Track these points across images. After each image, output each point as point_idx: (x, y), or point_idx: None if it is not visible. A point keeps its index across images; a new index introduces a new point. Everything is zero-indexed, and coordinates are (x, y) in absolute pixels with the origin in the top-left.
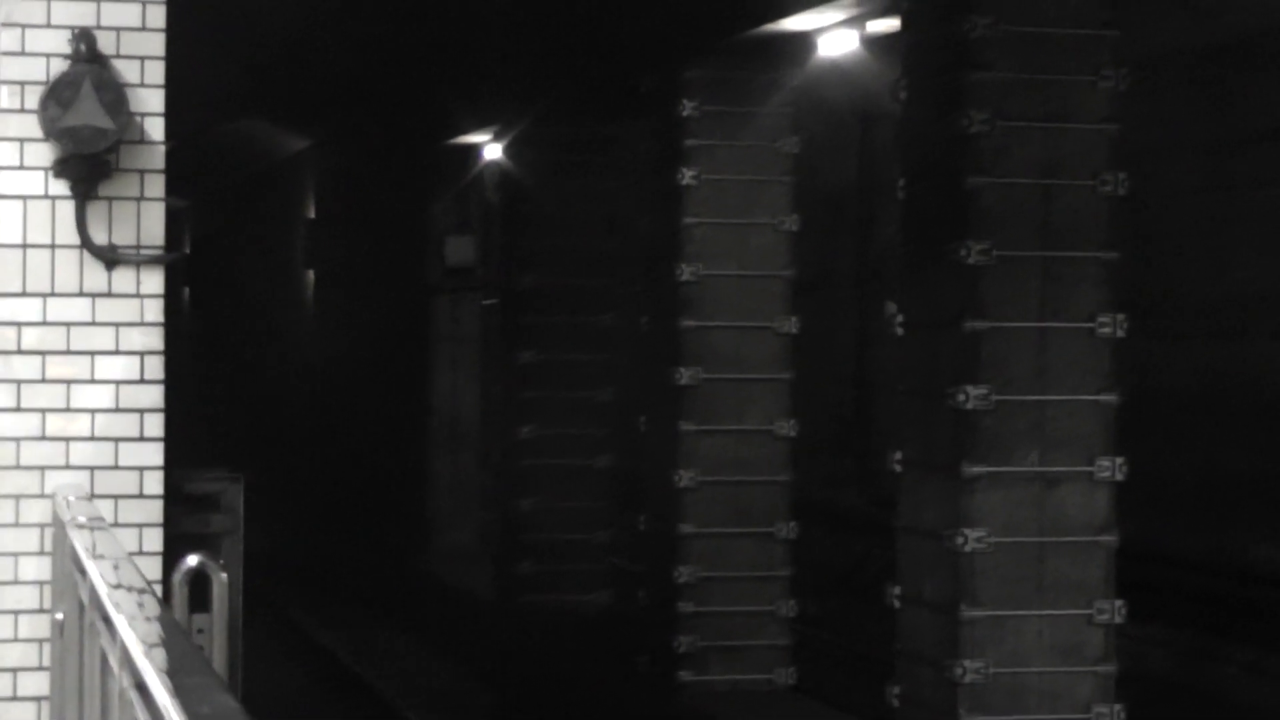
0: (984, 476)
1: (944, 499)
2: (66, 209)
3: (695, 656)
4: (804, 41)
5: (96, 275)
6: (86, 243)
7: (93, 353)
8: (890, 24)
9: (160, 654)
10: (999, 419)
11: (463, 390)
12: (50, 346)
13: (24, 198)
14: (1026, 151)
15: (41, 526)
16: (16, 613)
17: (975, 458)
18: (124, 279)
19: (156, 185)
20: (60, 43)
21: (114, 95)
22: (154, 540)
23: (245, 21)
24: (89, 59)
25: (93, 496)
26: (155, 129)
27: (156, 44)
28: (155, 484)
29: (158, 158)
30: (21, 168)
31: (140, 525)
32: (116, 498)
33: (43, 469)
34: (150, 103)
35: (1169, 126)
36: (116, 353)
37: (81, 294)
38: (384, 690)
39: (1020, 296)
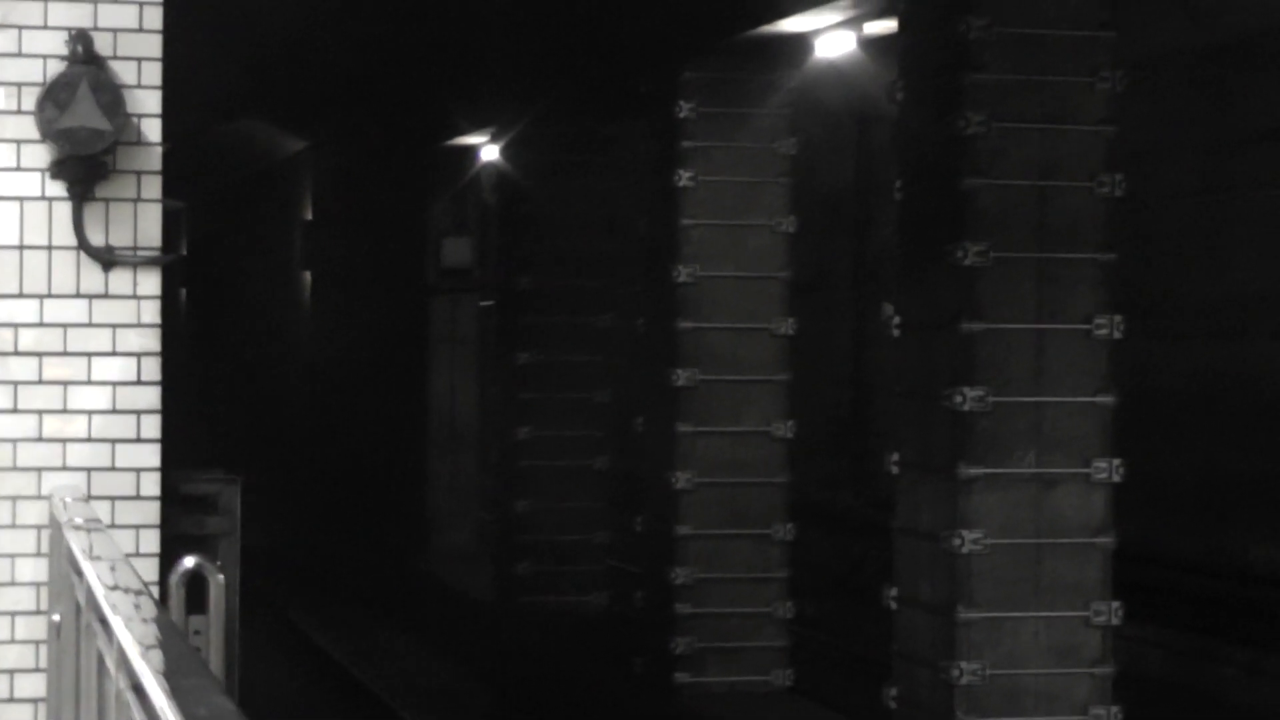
0: (981, 478)
1: (941, 500)
2: (63, 210)
3: (692, 658)
4: (801, 43)
5: (93, 276)
6: (83, 244)
7: (89, 354)
8: (887, 25)
9: (157, 655)
10: (996, 420)
11: (460, 391)
12: (47, 348)
13: (21, 199)
14: (1023, 153)
15: (38, 528)
16: (13, 614)
17: (972, 459)
18: (121, 280)
19: (153, 186)
20: (57, 44)
21: (111, 97)
22: (151, 542)
23: (242, 23)
24: (86, 60)
25: (89, 498)
26: (152, 130)
27: (153, 45)
28: (152, 485)
29: (155, 159)
30: (18, 169)
31: (137, 527)
32: (113, 499)
33: (39, 470)
34: (147, 104)
35: (1168, 127)
36: (113, 354)
37: (78, 295)
38: (382, 691)
39: (1017, 298)
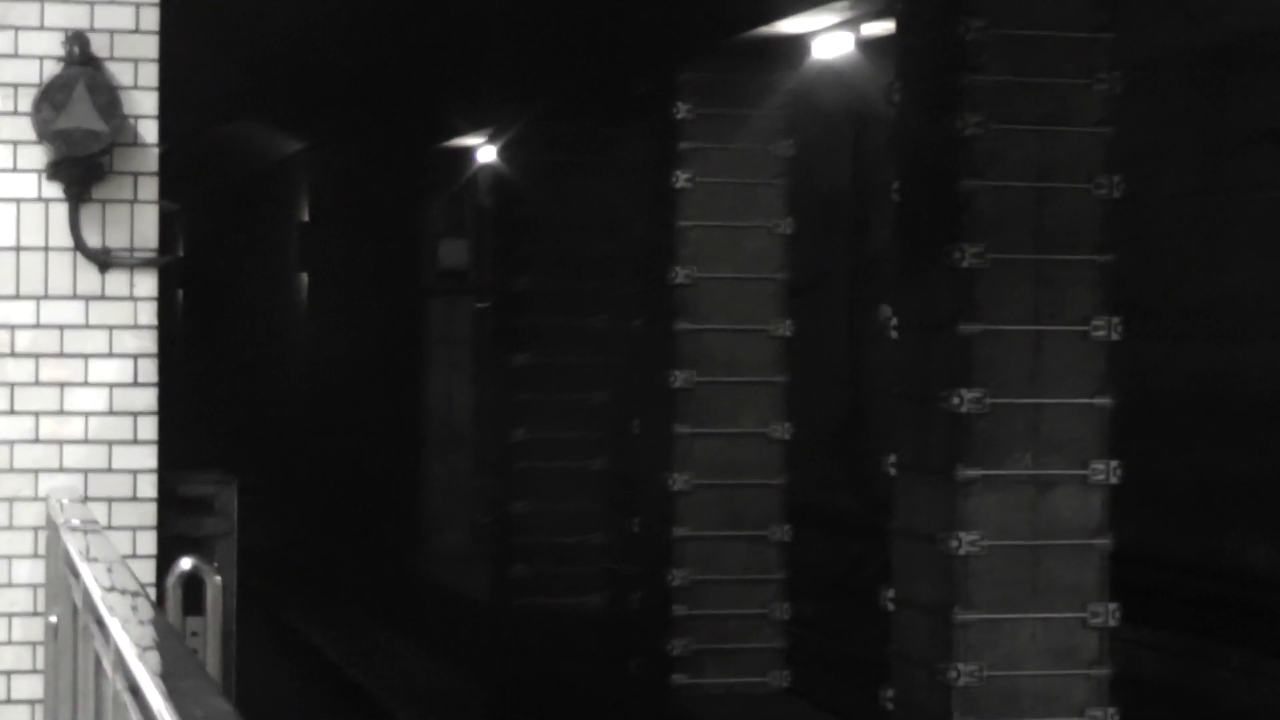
0: (978, 479)
1: (938, 502)
2: (60, 212)
3: (689, 659)
4: (799, 44)
5: (90, 278)
6: (80, 245)
7: (86, 355)
8: (885, 27)
9: (154, 657)
10: (993, 422)
11: (457, 393)
12: (43, 349)
13: (17, 200)
14: (1021, 154)
15: (35, 529)
16: (10, 616)
17: (969, 461)
18: (117, 282)
19: (150, 188)
20: (53, 45)
21: (107, 98)
22: (148, 543)
23: (238, 24)
24: (82, 61)
25: (86, 499)
26: (149, 131)
27: (150, 46)
28: (149, 487)
29: (151, 160)
30: (15, 170)
31: (134, 528)
32: (110, 500)
33: (36, 472)
34: (143, 105)
35: (1166, 128)
36: (110, 355)
37: (75, 297)
38: (378, 692)
39: (1015, 299)
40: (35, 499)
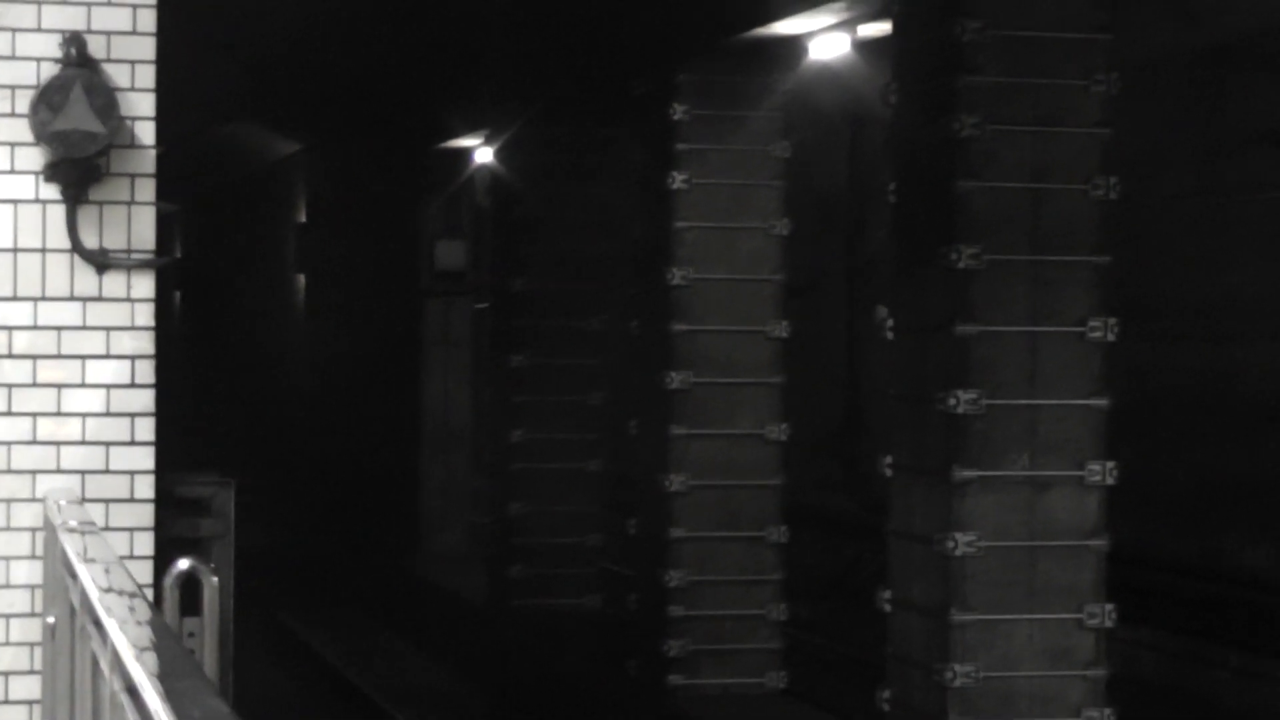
0: (975, 481)
1: (935, 503)
2: (57, 213)
3: (686, 660)
4: (795, 45)
5: (87, 279)
6: (77, 247)
7: (83, 357)
8: (881, 28)
9: (151, 658)
10: (990, 423)
11: (454, 394)
12: (41, 350)
13: (14, 202)
14: (1017, 156)
15: (33, 530)
16: (8, 616)
17: (966, 462)
18: (115, 283)
19: (147, 189)
20: (50, 47)
21: (104, 99)
22: (145, 544)
23: (236, 25)
24: (79, 63)
25: (84, 500)
26: (146, 133)
27: (147, 48)
28: (146, 488)
29: (148, 162)
30: (12, 172)
31: (131, 529)
32: (107, 502)
33: (33, 473)
34: (141, 107)
35: (1166, 129)
36: (107, 357)
37: (72, 298)
38: (375, 693)
39: (1011, 301)
40: (33, 500)
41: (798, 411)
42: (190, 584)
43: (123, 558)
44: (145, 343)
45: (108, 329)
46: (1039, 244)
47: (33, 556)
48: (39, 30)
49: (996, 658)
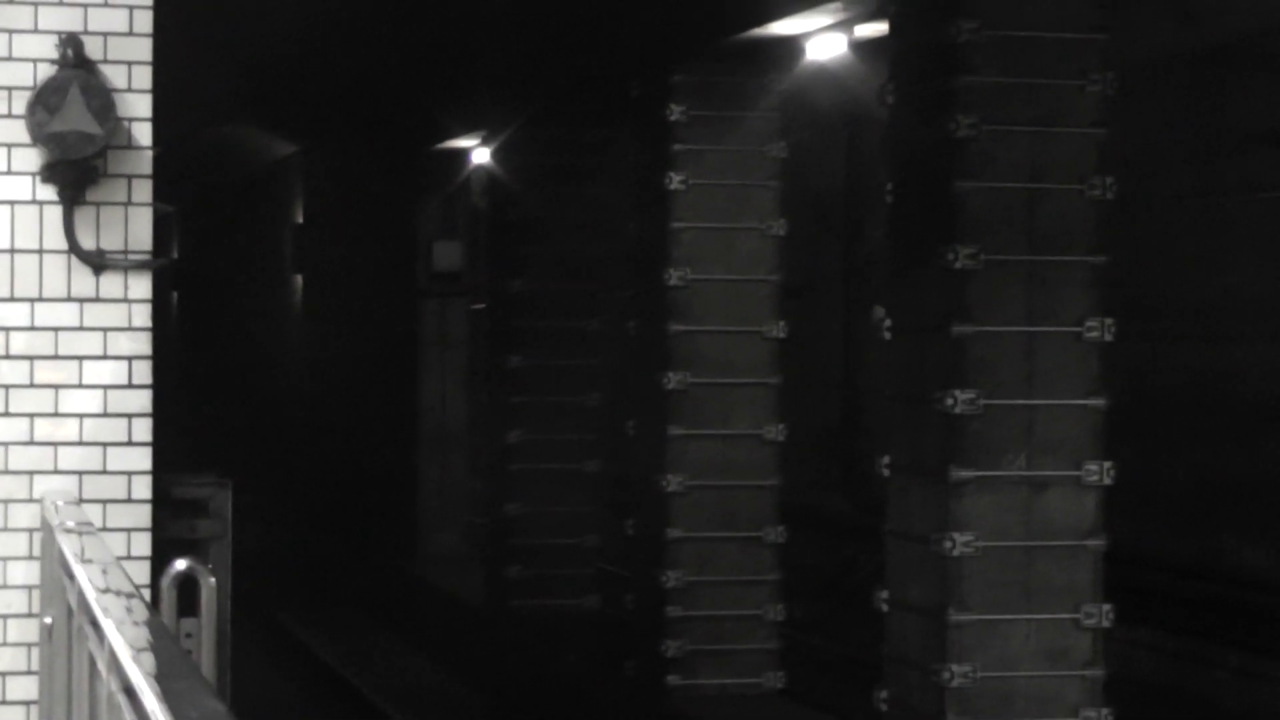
0: (972, 481)
1: (932, 503)
2: (54, 214)
3: (683, 661)
4: (792, 46)
5: (84, 280)
6: (74, 248)
7: (80, 357)
8: (878, 28)
9: (148, 658)
10: (987, 423)
11: (451, 395)
12: (38, 351)
13: (11, 203)
14: (1014, 156)
15: (30, 531)
16: (5, 617)
17: (963, 462)
18: (112, 284)
19: (144, 190)
20: (47, 48)
21: (101, 100)
22: (142, 545)
23: (233, 26)
24: (76, 64)
25: (81, 501)
26: (142, 134)
27: (144, 49)
28: (143, 488)
29: (145, 163)
30: (9, 173)
31: (128, 530)
32: (105, 502)
33: (31, 474)
34: (137, 108)
35: (1165, 129)
36: (104, 358)
37: (69, 299)
38: (373, 693)
39: (1008, 301)
40: (30, 501)
41: (795, 412)
42: (188, 584)
43: (120, 558)
44: (142, 344)
45: (105, 330)
46: (1036, 244)
47: (30, 557)
48: (35, 31)
49: (994, 658)
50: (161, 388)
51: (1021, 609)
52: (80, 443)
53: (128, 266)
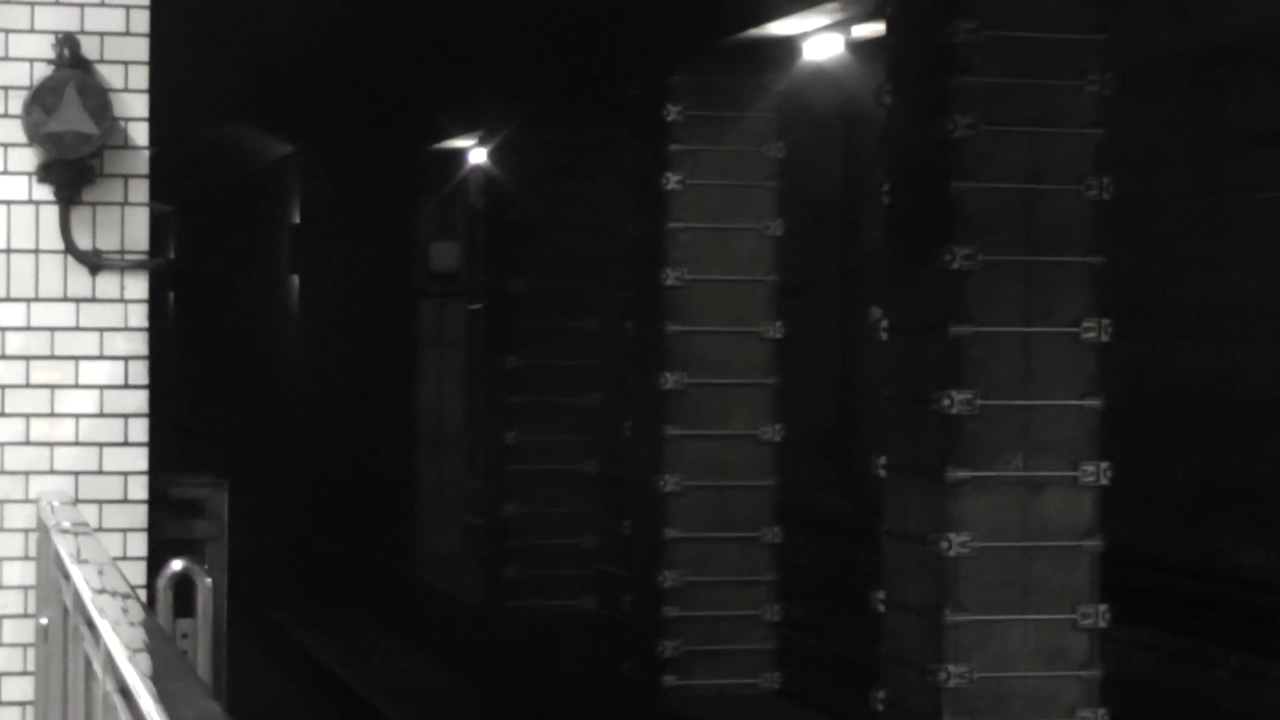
0: (969, 481)
1: (929, 503)
2: (50, 214)
3: (680, 661)
4: (789, 46)
5: (80, 280)
6: (70, 248)
7: (77, 358)
8: (875, 29)
9: (144, 659)
10: (984, 424)
11: (448, 395)
12: (34, 351)
13: (7, 203)
14: (1011, 156)
15: (26, 531)
16: (1, 618)
17: (960, 462)
18: (108, 284)
19: (140, 190)
20: (44, 48)
21: (98, 100)
22: (138, 545)
23: (230, 27)
24: (72, 64)
25: (77, 501)
26: (139, 134)
27: (140, 49)
28: (140, 489)
29: (142, 163)
30: (5, 173)
31: (125, 530)
32: (101, 503)
33: (27, 474)
34: (134, 108)
35: (1165, 130)
36: (100, 358)
37: (65, 299)
38: (369, 694)
39: (1005, 301)
40: (26, 501)
41: (792, 412)
42: (184, 585)
43: (116, 559)
44: (139, 344)
45: (101, 330)
46: (1033, 244)
47: (26, 558)
48: (32, 31)
49: (991, 658)
50: (158, 388)
51: (1018, 609)
52: (76, 443)
53: (124, 266)
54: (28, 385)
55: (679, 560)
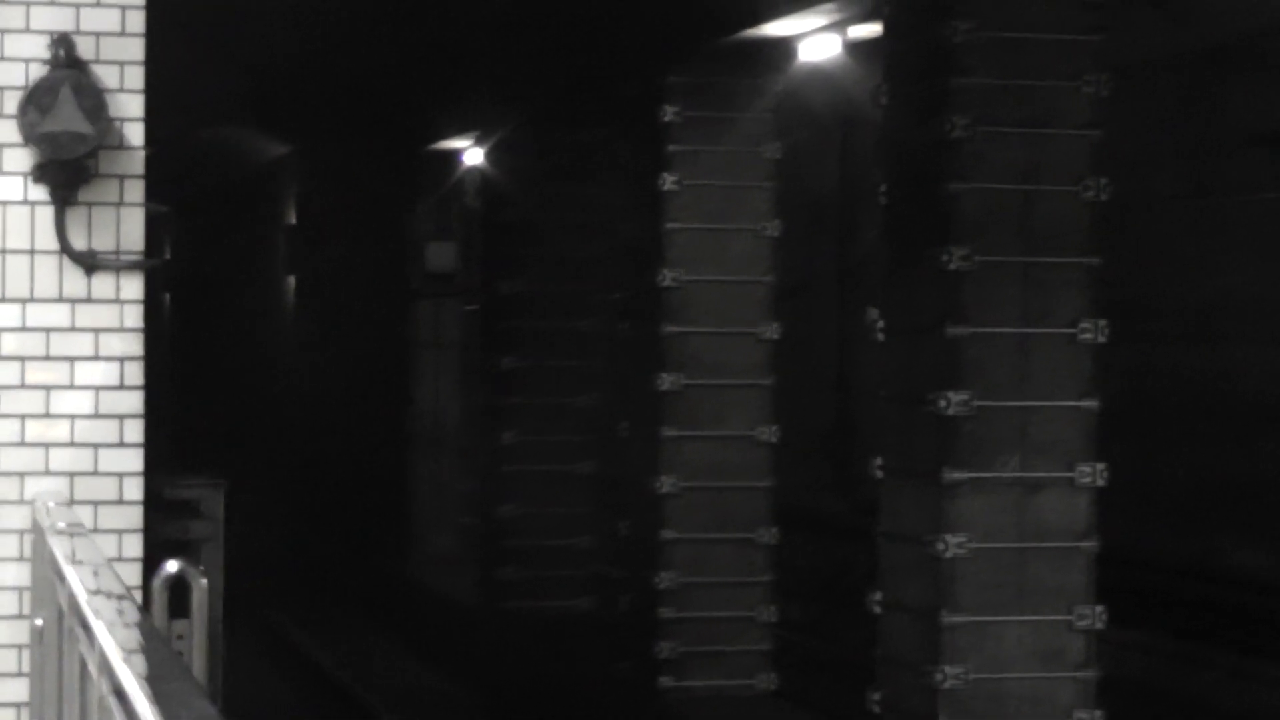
0: (965, 482)
1: (925, 504)
2: (45, 214)
3: (676, 662)
4: (786, 47)
5: (76, 281)
6: (66, 248)
7: (72, 358)
8: (872, 29)
9: (139, 660)
10: (980, 424)
11: (444, 396)
12: (29, 352)
13: (3, 203)
14: (1008, 157)
15: (21, 532)
16: None
17: (956, 463)
18: (103, 284)
19: (136, 190)
20: (39, 48)
21: (93, 100)
22: (134, 546)
23: (226, 27)
24: (68, 64)
25: (72, 502)
26: (135, 134)
27: (136, 49)
28: (135, 490)
29: (137, 163)
30: (1, 173)
31: (120, 531)
32: (96, 504)
33: (22, 475)
34: (129, 108)
35: (1164, 131)
36: (96, 358)
37: (61, 299)
38: (365, 695)
39: (1002, 302)
40: (21, 502)
41: (788, 413)
42: (179, 586)
43: (111, 560)
44: (134, 344)
45: (97, 330)
46: (1030, 245)
47: (21, 559)
48: (27, 31)
49: (987, 659)
50: (154, 389)
51: (1014, 610)
52: (72, 444)
53: (120, 267)
54: (23, 386)
55: (675, 561)
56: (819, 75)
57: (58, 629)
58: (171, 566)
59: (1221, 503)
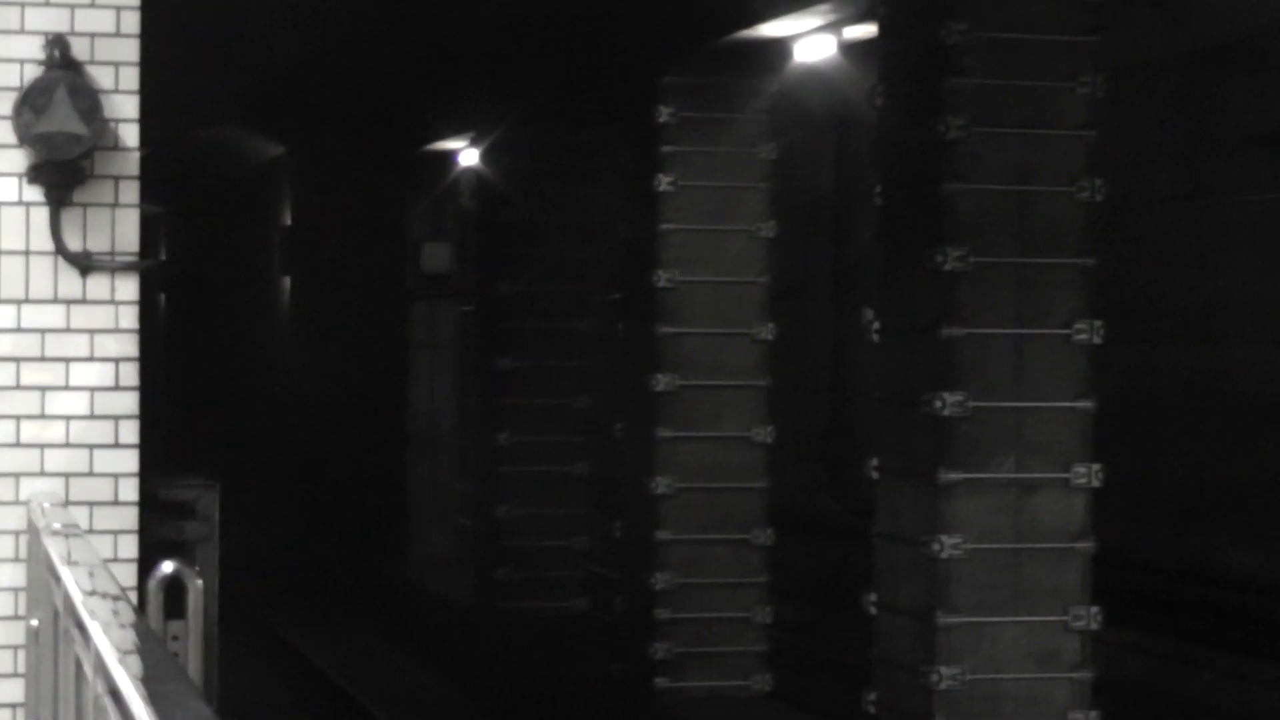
0: (961, 483)
1: (921, 505)
2: (40, 215)
3: (672, 663)
4: (781, 47)
5: (71, 282)
6: (61, 249)
7: (67, 359)
8: (867, 30)
9: (134, 661)
10: (976, 425)
11: (440, 397)
12: (24, 353)
13: None
14: (1003, 158)
15: (16, 533)
16: None
17: (952, 464)
18: (98, 285)
19: (131, 191)
20: (34, 49)
21: (88, 101)
22: (129, 547)
23: (221, 28)
24: (63, 65)
25: (67, 503)
26: (130, 135)
27: (131, 50)
28: (130, 491)
29: (132, 164)
30: None
31: (115, 532)
32: (91, 504)
33: (17, 476)
34: (124, 109)
35: (1161, 131)
36: (91, 359)
37: (56, 301)
38: (360, 696)
39: (997, 303)
40: (16, 503)
41: (784, 414)
42: (174, 587)
43: (106, 561)
44: (129, 345)
45: (91, 331)
46: (1025, 246)
47: (16, 559)
48: (22, 32)
49: (982, 660)
50: (149, 390)
51: (1010, 611)
52: (67, 445)
53: (115, 268)
54: (18, 387)
55: (671, 562)
56: (814, 76)
57: (53, 630)
58: (167, 567)
59: (1220, 503)
